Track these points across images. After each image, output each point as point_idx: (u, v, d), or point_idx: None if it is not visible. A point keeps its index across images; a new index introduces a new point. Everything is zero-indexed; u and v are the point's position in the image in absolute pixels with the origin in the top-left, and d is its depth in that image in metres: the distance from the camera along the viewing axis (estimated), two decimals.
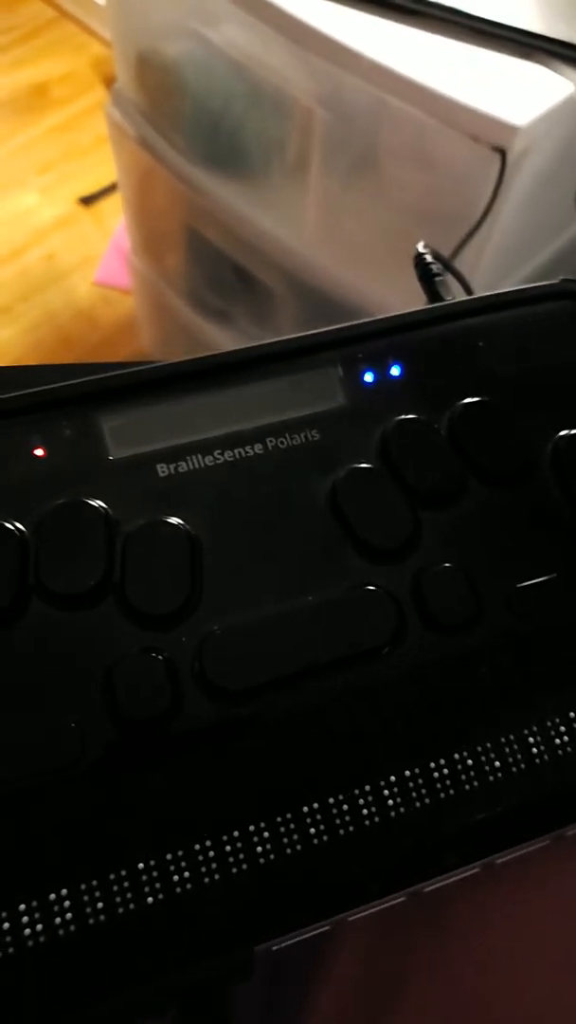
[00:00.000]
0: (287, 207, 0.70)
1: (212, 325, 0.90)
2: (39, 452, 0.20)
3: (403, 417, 0.21)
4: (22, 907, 0.16)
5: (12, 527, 0.19)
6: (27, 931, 0.16)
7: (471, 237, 0.55)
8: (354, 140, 0.61)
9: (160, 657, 0.18)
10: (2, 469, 0.20)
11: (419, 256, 0.26)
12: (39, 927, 0.16)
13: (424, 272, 0.26)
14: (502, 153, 0.51)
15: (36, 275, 1.30)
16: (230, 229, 0.75)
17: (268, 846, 0.17)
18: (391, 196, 0.63)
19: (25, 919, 0.16)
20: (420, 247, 0.26)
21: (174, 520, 0.20)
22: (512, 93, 0.52)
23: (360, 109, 0.59)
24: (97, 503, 0.20)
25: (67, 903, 0.16)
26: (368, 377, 0.22)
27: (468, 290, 0.27)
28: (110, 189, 1.38)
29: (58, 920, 0.16)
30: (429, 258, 0.26)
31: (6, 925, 0.16)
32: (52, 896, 0.16)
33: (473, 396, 0.22)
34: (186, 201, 0.79)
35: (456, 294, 0.25)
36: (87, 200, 1.40)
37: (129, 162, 0.85)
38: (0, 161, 1.45)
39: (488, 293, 0.23)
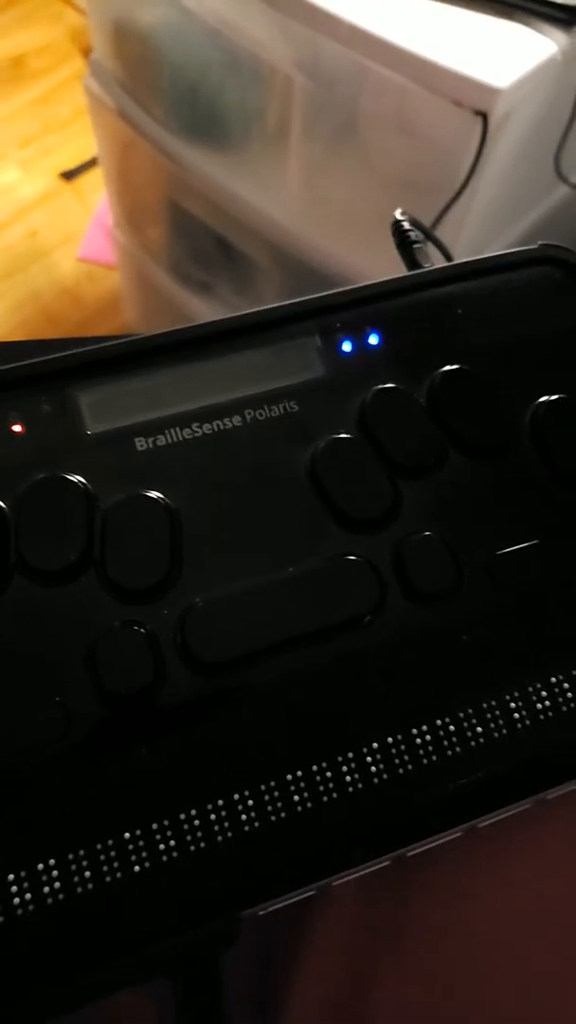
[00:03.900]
0: (268, 177, 0.69)
1: (196, 298, 0.89)
2: (16, 428, 0.20)
3: (382, 387, 0.21)
4: (10, 877, 0.17)
5: None
6: (16, 900, 0.16)
7: (454, 203, 0.54)
8: (334, 107, 0.60)
9: (142, 630, 0.18)
10: None
11: (396, 223, 0.26)
12: (28, 896, 0.16)
13: (402, 239, 0.25)
14: (484, 117, 0.51)
15: (19, 252, 1.29)
16: (212, 201, 0.74)
17: (253, 814, 0.17)
18: (373, 164, 0.62)
19: (14, 889, 0.16)
20: (397, 214, 0.26)
21: (153, 494, 0.20)
22: (493, 55, 0.51)
23: (340, 75, 0.58)
24: (76, 478, 0.20)
25: (55, 873, 0.17)
26: (346, 347, 0.22)
27: (448, 256, 0.26)
28: (91, 163, 1.36)
29: (46, 890, 0.17)
30: (407, 225, 0.25)
31: None
32: (40, 866, 0.17)
33: (452, 364, 0.21)
34: (167, 173, 0.78)
35: (435, 261, 0.25)
36: (68, 175, 1.38)
37: (109, 134, 0.84)
38: None
39: (467, 259, 0.23)
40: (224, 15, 0.62)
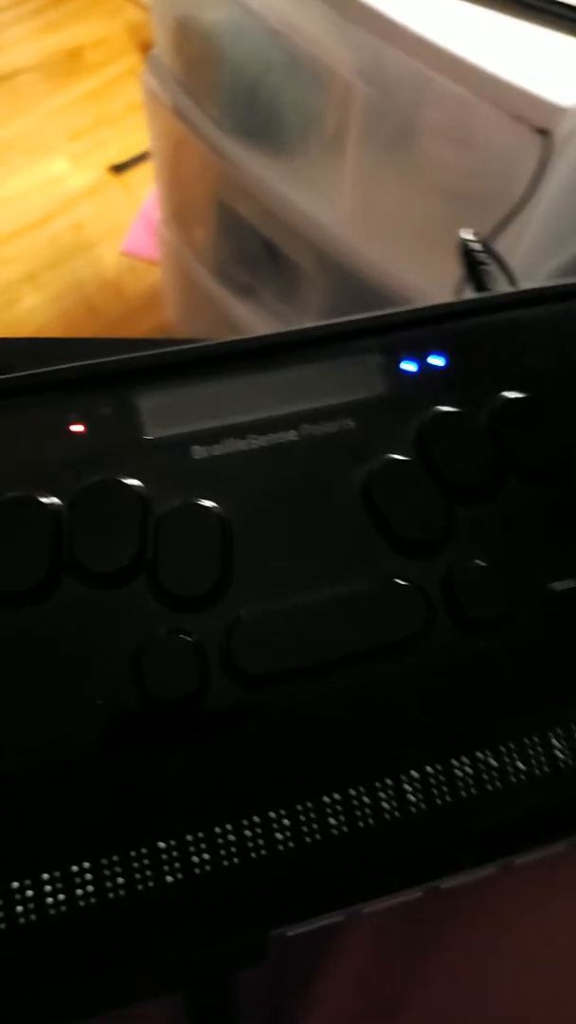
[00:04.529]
0: (321, 183, 0.69)
1: (238, 300, 0.89)
2: (76, 428, 0.20)
3: (442, 409, 0.21)
4: (45, 876, 0.17)
5: (47, 502, 0.19)
6: (49, 900, 0.16)
7: (510, 221, 0.54)
8: (393, 116, 0.60)
9: (189, 639, 0.18)
10: (39, 444, 0.20)
11: (465, 243, 0.25)
12: (61, 898, 0.16)
13: (469, 260, 0.25)
14: (546, 135, 0.50)
15: (64, 243, 1.30)
16: (262, 203, 0.74)
17: (288, 833, 0.17)
18: (428, 175, 0.62)
19: (48, 888, 0.16)
20: (466, 234, 0.25)
21: (207, 503, 0.20)
22: (560, 73, 0.50)
23: (400, 83, 0.58)
24: (132, 482, 0.20)
25: (88, 876, 0.17)
26: (408, 367, 0.21)
27: (512, 280, 0.26)
28: (141, 158, 1.36)
29: (79, 892, 0.17)
30: (475, 245, 0.25)
31: (29, 893, 0.16)
32: (74, 868, 0.17)
33: (515, 391, 0.21)
34: (218, 173, 0.78)
35: (500, 283, 0.25)
36: (118, 168, 1.38)
37: (163, 131, 0.84)
38: (32, 126, 1.44)
39: (536, 286, 0.22)
40: (288, 17, 0.62)
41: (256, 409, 0.21)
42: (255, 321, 0.87)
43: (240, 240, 0.84)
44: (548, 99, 0.49)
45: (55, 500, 0.19)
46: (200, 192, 0.86)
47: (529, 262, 0.60)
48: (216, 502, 0.20)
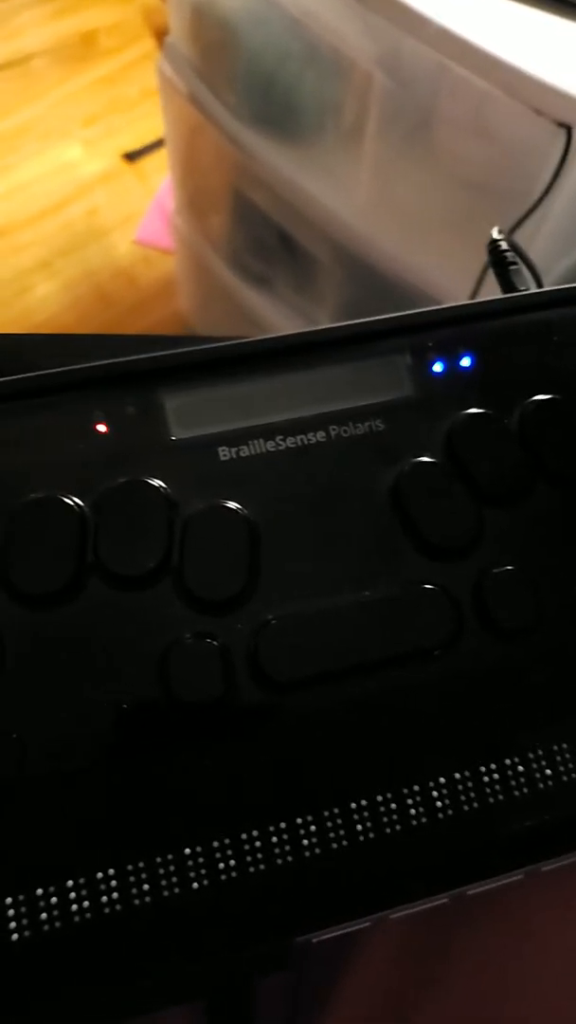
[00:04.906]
0: (338, 174, 0.68)
1: (253, 290, 0.89)
2: (101, 428, 0.20)
3: (471, 411, 0.21)
4: (69, 884, 0.16)
5: (72, 503, 0.19)
6: (74, 907, 0.16)
7: (529, 216, 0.53)
8: (412, 107, 0.59)
9: (214, 643, 0.18)
10: (63, 444, 0.20)
11: (494, 243, 0.25)
12: (86, 904, 0.16)
13: (498, 259, 0.25)
14: (568, 129, 0.49)
15: (78, 230, 1.29)
16: (278, 193, 0.73)
17: (314, 839, 0.17)
18: (446, 168, 0.61)
19: (72, 895, 0.16)
20: (495, 233, 0.25)
21: (234, 505, 0.19)
22: None
23: (420, 74, 0.57)
24: (158, 484, 0.19)
25: (113, 883, 0.17)
26: (437, 367, 0.21)
27: (538, 281, 0.26)
28: (155, 145, 1.35)
29: (104, 899, 0.17)
30: (504, 245, 0.25)
31: (54, 900, 0.16)
32: (99, 875, 0.17)
33: (546, 393, 0.21)
34: (234, 162, 0.77)
35: (526, 282, 0.24)
36: (131, 156, 1.37)
37: (178, 119, 0.83)
38: (45, 111, 1.43)
39: (568, 286, 0.22)
40: (307, 5, 0.61)
41: (283, 410, 0.20)
42: (270, 312, 0.87)
43: (255, 230, 0.83)
44: (571, 93, 0.49)
45: (80, 501, 0.19)
46: (215, 181, 0.85)
47: (546, 258, 0.60)
48: (243, 504, 0.20)
